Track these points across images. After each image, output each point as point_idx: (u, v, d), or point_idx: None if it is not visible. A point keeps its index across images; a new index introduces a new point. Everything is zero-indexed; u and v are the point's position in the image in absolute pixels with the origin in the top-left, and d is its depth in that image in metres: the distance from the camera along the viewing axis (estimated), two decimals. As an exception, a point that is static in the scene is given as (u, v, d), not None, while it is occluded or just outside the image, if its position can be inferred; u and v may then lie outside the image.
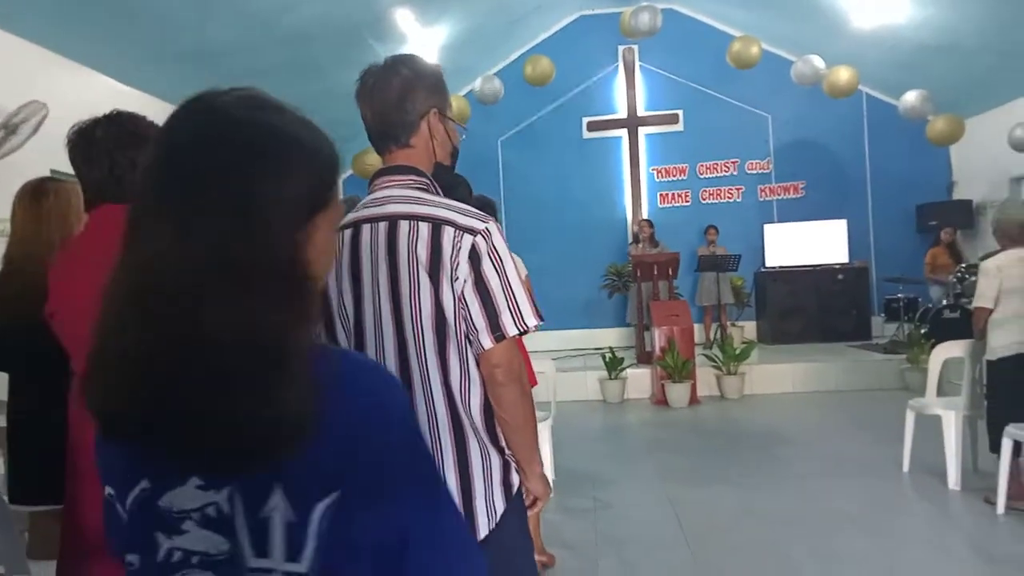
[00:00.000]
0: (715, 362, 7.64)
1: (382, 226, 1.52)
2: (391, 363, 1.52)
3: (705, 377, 7.60)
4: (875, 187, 10.54)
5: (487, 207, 3.15)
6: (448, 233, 1.47)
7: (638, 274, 8.57)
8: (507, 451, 1.57)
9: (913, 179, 10.23)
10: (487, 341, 1.48)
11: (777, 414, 6.75)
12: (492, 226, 1.50)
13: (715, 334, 9.59)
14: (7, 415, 2.42)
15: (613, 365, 7.66)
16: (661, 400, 7.38)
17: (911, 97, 8.29)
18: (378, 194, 1.59)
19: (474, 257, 1.46)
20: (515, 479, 1.57)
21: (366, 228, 1.54)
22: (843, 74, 8.27)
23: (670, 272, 8.43)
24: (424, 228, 1.48)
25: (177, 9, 5.34)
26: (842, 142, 10.54)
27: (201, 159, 0.72)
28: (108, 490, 0.79)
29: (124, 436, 0.73)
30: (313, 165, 0.77)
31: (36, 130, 4.15)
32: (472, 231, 1.48)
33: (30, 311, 2.18)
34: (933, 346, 4.86)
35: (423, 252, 1.47)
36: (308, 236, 0.76)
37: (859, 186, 10.56)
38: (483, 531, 1.51)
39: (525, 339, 1.57)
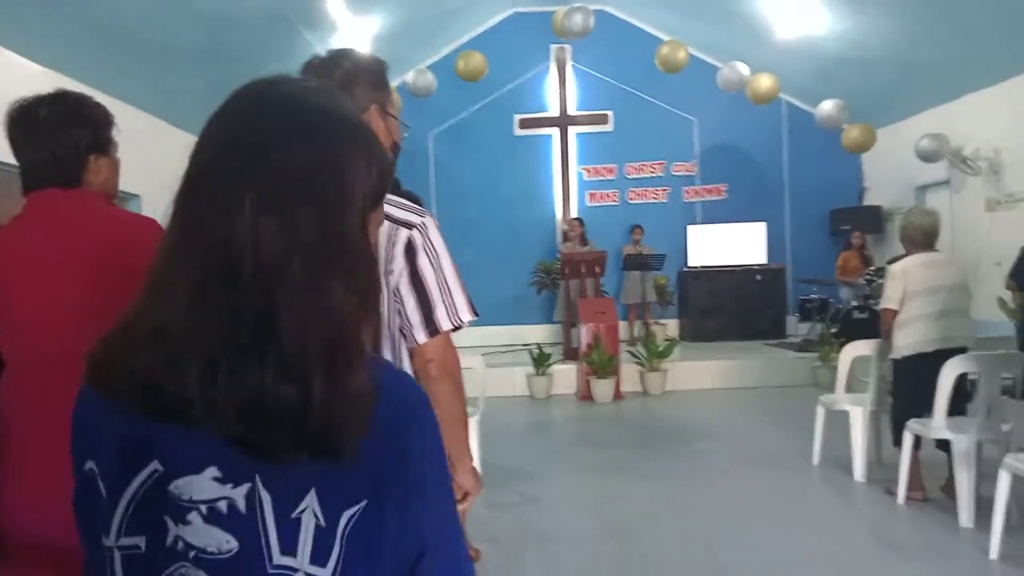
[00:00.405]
0: (639, 359, 7.82)
1: None
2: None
3: (629, 373, 7.76)
4: (792, 191, 10.97)
5: (414, 203, 3.13)
6: (384, 227, 1.46)
7: (566, 272, 8.68)
8: None
9: (828, 185, 10.70)
10: (421, 335, 1.48)
11: (697, 409, 6.96)
12: (428, 220, 1.51)
13: (639, 331, 9.80)
14: None
15: (540, 361, 7.73)
16: (586, 396, 7.50)
17: (827, 106, 8.67)
18: None
19: (410, 251, 1.46)
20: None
21: None
22: (765, 81, 8.57)
23: (597, 270, 8.57)
24: None
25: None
26: (763, 147, 10.93)
27: (289, 149, 0.70)
28: (90, 464, 0.74)
29: (170, 416, 0.68)
30: (376, 165, 0.76)
31: None
32: (408, 224, 1.48)
33: None
34: (843, 345, 5.11)
35: None
36: (369, 232, 0.76)
37: (778, 190, 10.98)
38: None
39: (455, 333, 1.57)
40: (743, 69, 8.61)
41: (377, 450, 0.71)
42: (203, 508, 0.70)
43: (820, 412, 4.89)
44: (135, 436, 0.72)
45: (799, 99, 10.59)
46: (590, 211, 10.88)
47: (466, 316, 1.51)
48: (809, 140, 10.48)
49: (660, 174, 11.06)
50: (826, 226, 10.73)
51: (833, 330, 8.31)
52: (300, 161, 0.70)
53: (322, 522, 0.70)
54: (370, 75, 1.60)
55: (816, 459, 4.88)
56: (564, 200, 10.97)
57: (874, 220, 10.24)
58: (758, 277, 10.23)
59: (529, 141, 11.02)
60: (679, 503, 4.29)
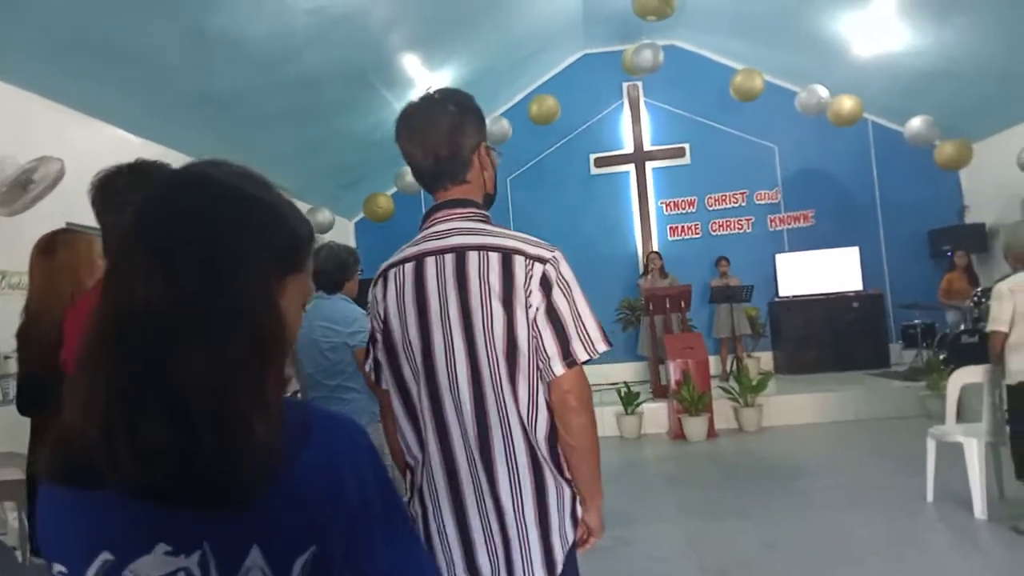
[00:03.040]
0: (732, 394, 7.57)
1: (449, 258, 1.53)
2: (465, 393, 1.51)
3: (722, 410, 7.52)
4: (886, 214, 10.52)
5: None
6: (519, 262, 1.49)
7: (650, 307, 8.55)
8: (574, 485, 1.57)
9: (924, 204, 10.20)
10: (559, 367, 1.49)
11: (796, 445, 6.66)
12: (559, 254, 1.54)
13: (731, 366, 9.51)
14: (27, 466, 2.44)
15: (629, 400, 7.60)
16: (679, 434, 7.30)
17: (916, 123, 8.32)
18: (439, 227, 1.59)
19: (545, 284, 1.49)
20: (580, 511, 1.58)
21: (430, 261, 1.55)
22: (847, 103, 8.32)
23: (682, 304, 8.41)
24: (494, 258, 1.50)
25: (179, 56, 5.43)
26: (850, 170, 10.55)
27: (188, 217, 0.77)
28: (58, 568, 0.77)
29: (89, 483, 0.72)
30: (285, 235, 0.81)
31: (54, 186, 4.24)
32: (542, 260, 1.50)
33: (47, 360, 2.24)
34: (952, 372, 4.81)
35: (495, 281, 1.49)
36: (280, 296, 0.80)
37: (870, 213, 10.55)
38: (560, 565, 1.52)
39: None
40: (822, 92, 8.40)
41: (312, 494, 0.73)
42: None
43: (931, 445, 4.58)
44: (84, 530, 0.75)
45: (885, 118, 10.20)
46: (672, 245, 10.74)
47: (601, 347, 1.52)
48: (900, 159, 10.05)
49: (743, 204, 10.83)
50: (925, 248, 10.20)
51: (941, 356, 7.83)
52: (189, 230, 0.76)
53: (271, 575, 0.71)
54: (473, 114, 1.64)
55: (930, 496, 4.56)
56: (644, 235, 10.88)
57: (978, 238, 9.67)
58: (855, 304, 9.78)
59: (606, 179, 11.03)
60: (779, 545, 4.08)
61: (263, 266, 0.78)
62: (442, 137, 1.57)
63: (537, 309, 1.48)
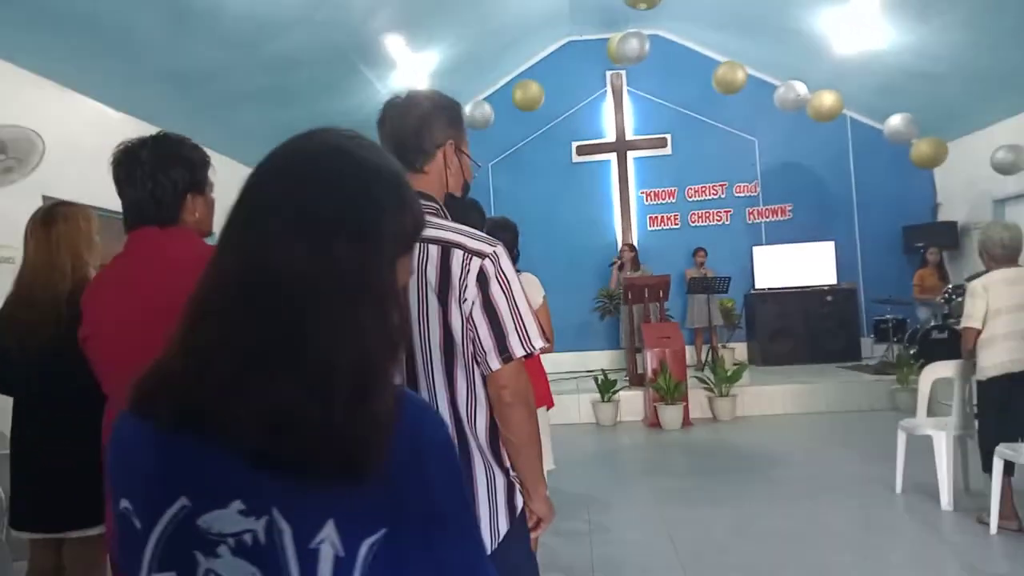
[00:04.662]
0: (707, 384, 7.65)
1: None
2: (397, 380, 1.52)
3: (697, 399, 7.61)
4: (861, 209, 10.66)
5: (507, 228, 3.20)
6: (457, 256, 1.50)
7: (629, 297, 8.60)
8: (511, 472, 1.58)
9: (899, 201, 10.36)
10: (495, 362, 1.49)
11: (769, 435, 6.76)
12: (500, 250, 1.53)
13: (706, 356, 9.61)
14: (11, 441, 2.40)
15: (606, 388, 7.65)
16: (654, 422, 7.37)
17: (896, 120, 8.42)
18: None
19: (482, 279, 1.49)
20: (519, 501, 1.58)
21: None
22: (827, 98, 8.39)
23: (661, 294, 8.47)
24: (433, 250, 1.51)
25: (159, 31, 5.32)
26: (828, 165, 10.67)
27: (332, 186, 0.77)
28: (124, 503, 0.78)
29: (198, 433, 0.72)
30: (411, 215, 0.82)
31: (36, 166, 4.13)
32: (481, 254, 1.50)
33: (43, 336, 2.20)
34: (923, 367, 4.90)
35: (432, 274, 1.49)
36: (398, 275, 0.81)
37: (846, 208, 10.68)
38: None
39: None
40: (800, 88, 8.45)
41: (397, 477, 0.73)
42: (231, 541, 0.72)
43: (901, 437, 4.68)
44: (164, 471, 0.75)
45: (864, 115, 10.32)
46: (651, 235, 10.79)
47: (538, 343, 1.52)
48: (877, 156, 10.18)
49: (722, 196, 10.91)
50: (899, 244, 10.36)
51: (912, 351, 7.98)
52: (335, 199, 0.76)
53: (341, 552, 0.71)
54: (447, 112, 1.68)
55: (899, 487, 4.67)
56: (624, 225, 10.92)
57: (950, 236, 9.85)
58: (829, 298, 9.92)
59: (587, 168, 11.04)
60: (752, 532, 4.16)
61: (392, 243, 0.79)
62: (410, 126, 1.64)
63: (473, 303, 1.49)
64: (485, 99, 9.67)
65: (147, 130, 1.75)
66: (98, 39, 5.10)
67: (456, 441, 1.51)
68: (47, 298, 2.23)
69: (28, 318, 2.24)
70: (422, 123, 1.64)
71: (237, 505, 0.72)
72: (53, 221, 2.34)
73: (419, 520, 0.75)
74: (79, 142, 5.05)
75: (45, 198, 4.20)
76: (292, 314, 0.71)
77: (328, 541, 0.71)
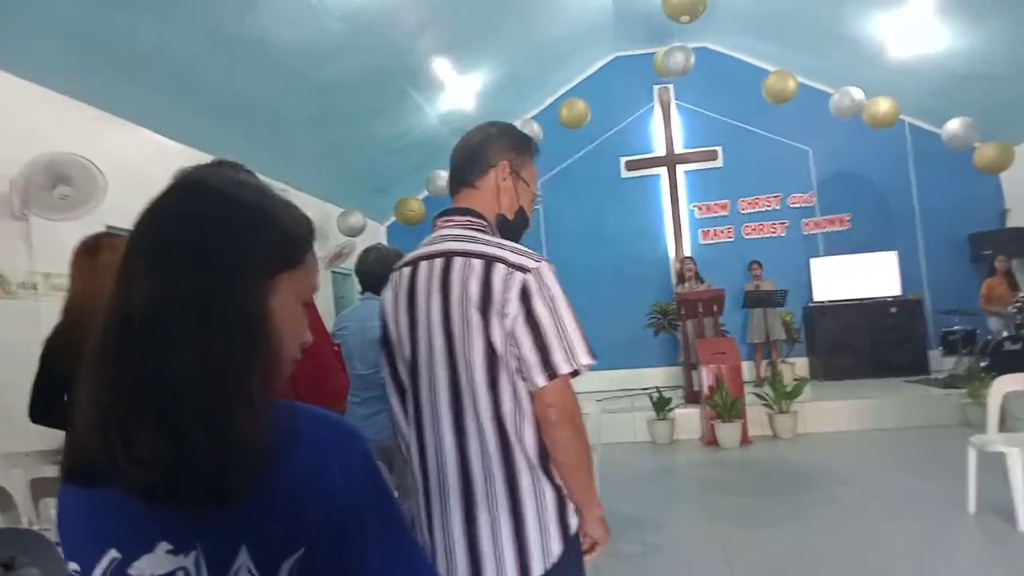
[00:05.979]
0: (766, 400, 7.46)
1: (438, 262, 1.57)
2: (443, 395, 1.53)
3: (756, 416, 7.41)
4: (924, 217, 10.30)
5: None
6: (499, 270, 1.49)
7: (683, 312, 8.47)
8: (564, 491, 1.54)
9: (963, 208, 9.96)
10: (540, 379, 1.47)
11: (832, 453, 6.53)
12: (544, 265, 1.52)
13: (766, 371, 9.38)
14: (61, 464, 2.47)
15: (661, 405, 7.53)
16: (711, 440, 7.21)
17: (955, 125, 8.12)
18: (437, 233, 1.65)
19: (525, 294, 1.47)
20: (573, 521, 1.54)
21: (423, 264, 1.60)
22: (883, 104, 8.16)
23: (715, 309, 8.31)
24: (477, 264, 1.51)
25: (209, 64, 5.54)
26: (887, 173, 10.35)
27: (182, 222, 0.79)
28: (73, 566, 0.79)
29: (94, 482, 0.74)
30: (272, 234, 0.82)
31: (100, 203, 4.28)
32: (523, 269, 1.49)
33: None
34: (994, 380, 4.68)
35: (475, 288, 1.50)
36: (270, 293, 0.80)
37: (908, 217, 10.33)
38: (536, 571, 1.48)
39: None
40: (857, 93, 8.24)
41: (300, 495, 0.73)
42: None
43: (972, 454, 4.45)
44: (92, 528, 0.77)
45: (923, 120, 9.99)
46: (704, 248, 10.63)
47: (584, 360, 1.48)
48: (939, 162, 9.82)
49: (776, 207, 10.69)
50: (966, 252, 9.95)
51: (982, 363, 7.63)
52: (186, 230, 0.78)
53: None
54: (510, 138, 1.73)
55: (972, 507, 4.44)
56: (676, 239, 10.78)
57: (1019, 243, 9.39)
58: (893, 309, 9.60)
59: (637, 182, 10.96)
60: (812, 554, 4.00)
61: (250, 266, 0.78)
62: (471, 145, 1.70)
63: (515, 318, 1.47)
64: (532, 118, 9.74)
65: (203, 159, 1.80)
66: (157, 75, 5.33)
67: (502, 457, 1.49)
68: (91, 326, 2.29)
69: (74, 346, 2.30)
70: (483, 142, 1.70)
71: (164, 546, 0.74)
72: (99, 250, 2.42)
73: (336, 535, 0.74)
74: (139, 172, 5.25)
75: (108, 227, 4.36)
76: (148, 353, 0.73)
77: (244, 568, 0.72)
